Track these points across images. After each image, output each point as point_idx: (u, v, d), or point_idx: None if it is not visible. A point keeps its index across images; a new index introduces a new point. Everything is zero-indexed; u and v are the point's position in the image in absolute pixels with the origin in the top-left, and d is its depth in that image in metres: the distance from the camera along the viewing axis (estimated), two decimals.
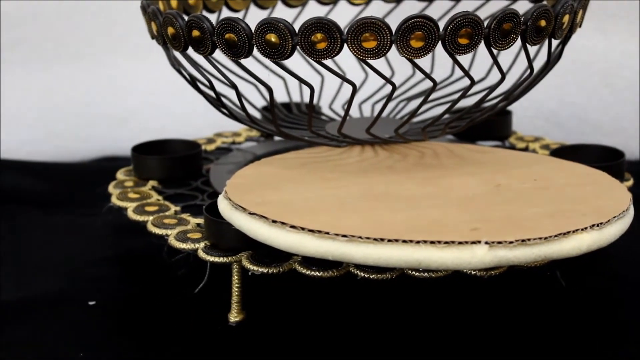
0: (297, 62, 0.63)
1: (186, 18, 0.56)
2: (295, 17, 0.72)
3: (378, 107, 0.75)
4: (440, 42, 0.53)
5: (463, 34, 0.53)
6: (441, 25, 0.53)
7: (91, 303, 0.61)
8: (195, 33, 0.56)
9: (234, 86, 0.59)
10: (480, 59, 0.69)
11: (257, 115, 0.75)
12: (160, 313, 0.60)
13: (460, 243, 0.48)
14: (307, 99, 0.76)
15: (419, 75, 0.72)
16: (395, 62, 0.70)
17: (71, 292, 0.63)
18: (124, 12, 0.91)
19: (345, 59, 0.59)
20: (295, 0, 0.75)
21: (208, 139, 0.78)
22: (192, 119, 0.93)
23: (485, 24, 0.54)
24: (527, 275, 0.61)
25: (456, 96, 0.66)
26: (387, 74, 0.71)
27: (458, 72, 0.72)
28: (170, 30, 0.57)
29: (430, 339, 0.56)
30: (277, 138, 0.76)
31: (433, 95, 0.63)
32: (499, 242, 0.48)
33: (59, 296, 0.62)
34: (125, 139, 0.90)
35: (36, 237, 0.72)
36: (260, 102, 0.75)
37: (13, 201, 0.79)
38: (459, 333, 0.57)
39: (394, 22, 0.53)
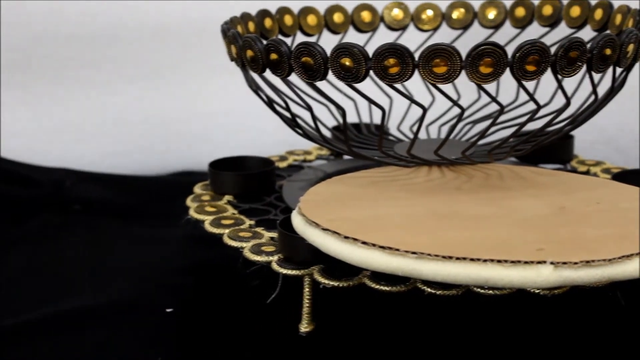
0: (365, 84, 0.63)
1: (265, 42, 0.56)
2: (366, 42, 0.72)
3: (444, 129, 0.75)
4: (508, 68, 0.53)
5: (531, 61, 0.52)
6: (508, 51, 0.52)
7: (168, 310, 0.61)
8: (274, 56, 0.55)
9: (309, 108, 0.59)
10: (542, 83, 0.68)
11: (327, 134, 0.75)
12: (233, 321, 0.60)
13: (526, 263, 0.47)
14: (376, 120, 0.76)
15: (484, 99, 0.72)
16: (460, 85, 0.69)
17: (149, 299, 0.63)
18: (204, 35, 0.91)
19: (412, 81, 0.59)
20: (366, 25, 0.75)
21: (280, 156, 0.78)
22: (263, 137, 0.93)
23: (552, 51, 0.53)
24: (588, 294, 0.60)
25: (521, 120, 0.65)
26: (453, 96, 0.71)
27: (522, 96, 0.71)
28: (250, 53, 0.57)
29: (494, 354, 0.55)
30: (346, 157, 0.76)
31: (498, 119, 0.63)
32: (564, 263, 0.47)
33: (137, 302, 0.63)
34: (201, 154, 0.90)
35: (116, 246, 0.73)
36: (330, 122, 0.75)
37: (95, 211, 0.80)
38: (522, 348, 0.56)
39: (461, 48, 0.53)
